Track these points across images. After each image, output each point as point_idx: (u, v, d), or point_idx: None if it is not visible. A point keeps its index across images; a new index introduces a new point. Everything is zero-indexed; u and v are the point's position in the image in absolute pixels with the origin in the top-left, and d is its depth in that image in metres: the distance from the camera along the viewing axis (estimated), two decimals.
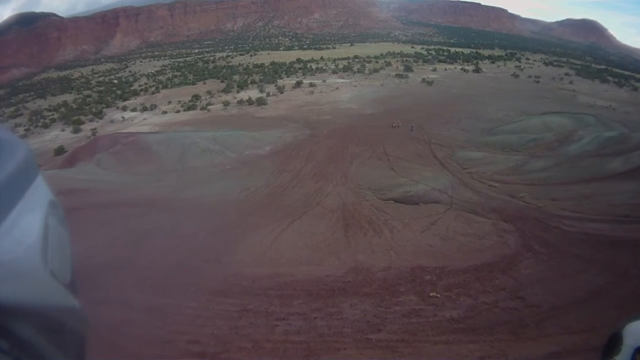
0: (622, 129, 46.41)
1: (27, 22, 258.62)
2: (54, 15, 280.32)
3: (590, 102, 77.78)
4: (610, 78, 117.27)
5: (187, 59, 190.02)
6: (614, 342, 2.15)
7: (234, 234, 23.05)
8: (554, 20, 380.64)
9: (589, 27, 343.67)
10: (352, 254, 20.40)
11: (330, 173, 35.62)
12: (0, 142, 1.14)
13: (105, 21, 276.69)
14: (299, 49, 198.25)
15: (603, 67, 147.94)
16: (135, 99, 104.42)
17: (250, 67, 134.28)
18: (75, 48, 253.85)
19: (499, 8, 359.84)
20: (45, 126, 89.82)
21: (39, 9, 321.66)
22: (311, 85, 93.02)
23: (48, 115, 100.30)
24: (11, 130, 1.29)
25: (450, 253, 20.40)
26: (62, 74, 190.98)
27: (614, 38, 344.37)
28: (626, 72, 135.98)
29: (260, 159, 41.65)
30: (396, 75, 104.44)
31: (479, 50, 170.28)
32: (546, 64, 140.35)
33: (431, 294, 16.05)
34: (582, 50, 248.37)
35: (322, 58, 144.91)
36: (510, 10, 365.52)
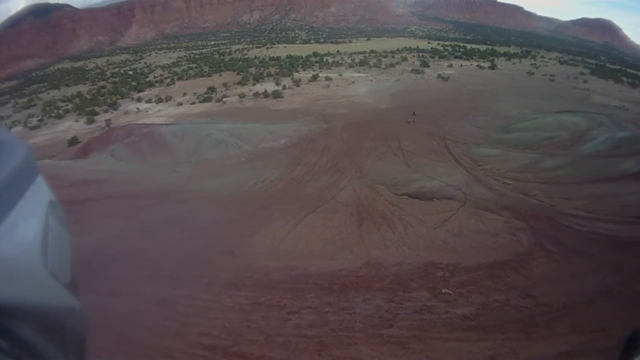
0: (635, 130, 46.17)
1: (41, 13, 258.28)
2: (68, 6, 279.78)
3: (604, 101, 77.45)
4: (624, 78, 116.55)
5: (203, 50, 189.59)
6: (633, 341, 2.10)
7: (248, 226, 23.16)
8: (569, 19, 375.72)
9: (604, 27, 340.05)
10: (366, 249, 20.43)
11: (345, 167, 35.71)
12: (0, 143, 1.21)
13: (120, 12, 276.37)
14: (315, 43, 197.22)
15: (617, 67, 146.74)
16: (150, 90, 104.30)
17: (267, 59, 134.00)
18: (90, 39, 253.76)
19: (515, 5, 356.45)
20: (59, 117, 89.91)
21: (53, 0, 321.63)
22: (327, 78, 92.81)
23: (62, 106, 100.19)
24: (11, 131, 1.36)
25: (463, 250, 20.41)
26: (76, 64, 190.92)
27: (628, 38, 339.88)
28: None
29: (275, 152, 41.78)
30: (412, 70, 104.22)
31: (494, 47, 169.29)
32: (561, 63, 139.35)
33: (443, 291, 16.05)
34: (596, 49, 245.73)
35: (338, 52, 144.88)
36: (526, 8, 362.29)
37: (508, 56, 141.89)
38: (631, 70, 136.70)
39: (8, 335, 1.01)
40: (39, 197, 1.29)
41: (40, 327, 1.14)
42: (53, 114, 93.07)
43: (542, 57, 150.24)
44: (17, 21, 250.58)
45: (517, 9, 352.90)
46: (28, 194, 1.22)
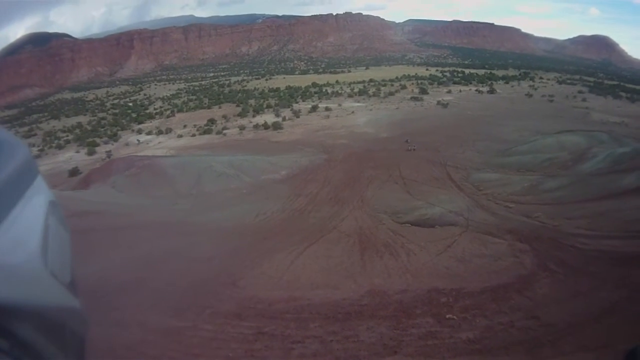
0: (635, 144, 46.16)
1: (41, 42, 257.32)
2: (67, 35, 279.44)
3: (603, 119, 77.46)
4: (622, 94, 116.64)
5: (203, 82, 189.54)
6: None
7: (250, 257, 23.17)
8: (566, 37, 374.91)
9: (601, 43, 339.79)
10: (369, 278, 20.53)
11: (347, 197, 35.79)
12: (0, 143, 1.22)
13: (120, 43, 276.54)
14: (314, 73, 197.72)
15: (615, 82, 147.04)
16: (151, 122, 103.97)
17: (266, 91, 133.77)
18: (90, 70, 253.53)
19: (512, 28, 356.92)
20: (60, 147, 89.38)
21: (53, 29, 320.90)
22: (327, 109, 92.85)
23: (62, 137, 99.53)
24: (10, 131, 1.38)
25: (467, 275, 20.50)
26: (76, 95, 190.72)
27: (626, 53, 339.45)
28: (638, 87, 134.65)
29: (276, 184, 41.79)
30: (411, 98, 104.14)
31: (493, 71, 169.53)
32: (559, 83, 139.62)
33: (447, 316, 16.13)
34: (594, 67, 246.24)
35: (337, 82, 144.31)
36: (523, 30, 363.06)
37: (506, 79, 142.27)
38: (629, 85, 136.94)
39: (8, 335, 1.03)
40: (39, 197, 1.32)
41: (40, 327, 1.15)
42: (54, 144, 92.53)
43: (541, 78, 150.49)
44: (16, 49, 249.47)
45: (514, 32, 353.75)
46: (28, 194, 1.25)
